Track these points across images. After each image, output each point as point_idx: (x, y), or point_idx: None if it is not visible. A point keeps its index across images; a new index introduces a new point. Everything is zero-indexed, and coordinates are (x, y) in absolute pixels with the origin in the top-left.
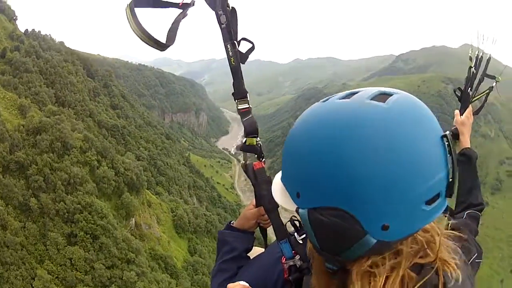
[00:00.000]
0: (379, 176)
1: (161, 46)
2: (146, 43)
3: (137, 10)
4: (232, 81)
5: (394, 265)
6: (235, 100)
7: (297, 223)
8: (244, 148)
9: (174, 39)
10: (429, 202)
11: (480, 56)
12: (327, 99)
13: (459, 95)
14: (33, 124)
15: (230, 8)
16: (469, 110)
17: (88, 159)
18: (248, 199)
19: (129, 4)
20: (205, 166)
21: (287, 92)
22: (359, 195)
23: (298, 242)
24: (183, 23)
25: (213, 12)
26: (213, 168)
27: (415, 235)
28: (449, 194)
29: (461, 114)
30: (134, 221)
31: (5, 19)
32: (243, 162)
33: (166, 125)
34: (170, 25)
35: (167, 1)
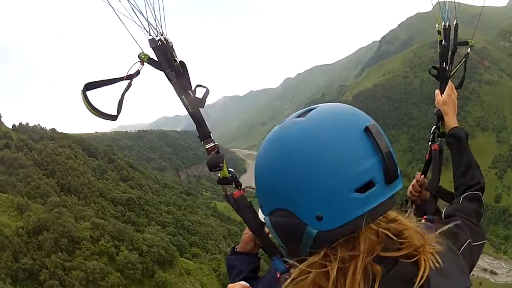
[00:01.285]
0: (298, 176)
1: (112, 118)
2: (100, 117)
3: (92, 92)
4: (196, 127)
5: (349, 257)
6: (201, 142)
7: None
8: (220, 181)
9: (121, 110)
10: (360, 190)
11: (447, 26)
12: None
13: (435, 73)
14: (31, 224)
15: (179, 62)
16: (449, 86)
17: (103, 247)
18: None
19: (82, 89)
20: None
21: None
22: (290, 194)
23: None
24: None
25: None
26: None
27: (375, 227)
28: (391, 180)
29: (442, 92)
30: None
31: None
32: (224, 193)
33: (183, 181)
34: (119, 98)
35: (112, 79)
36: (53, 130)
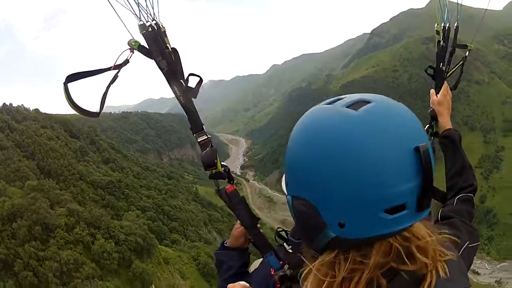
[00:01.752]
0: (337, 177)
1: (93, 115)
2: (81, 114)
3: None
4: (187, 116)
5: (359, 266)
6: (193, 134)
7: (283, 233)
8: (212, 176)
9: (103, 107)
10: (389, 211)
11: (447, 27)
12: (324, 103)
13: (431, 73)
14: (6, 210)
15: (171, 49)
16: (445, 87)
17: (78, 236)
18: (266, 215)
19: (64, 82)
20: (215, 195)
21: (274, 100)
22: (320, 191)
23: (288, 251)
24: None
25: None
26: None
27: (390, 241)
28: (421, 208)
29: (437, 92)
30: None
31: None
32: (216, 188)
33: (165, 164)
34: (103, 92)
35: (98, 69)
36: (36, 110)
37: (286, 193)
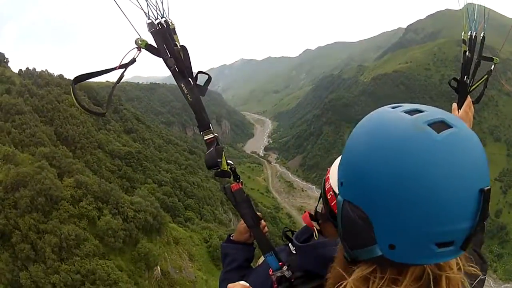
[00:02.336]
0: (401, 201)
1: (100, 115)
2: (88, 114)
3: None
4: (195, 117)
5: (393, 281)
6: (200, 132)
7: (289, 234)
8: (217, 174)
9: (109, 108)
10: (440, 245)
11: (473, 37)
12: (396, 107)
13: (455, 86)
14: (10, 178)
15: (179, 47)
16: (468, 103)
17: (83, 210)
18: (284, 200)
19: (71, 83)
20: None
21: (304, 85)
22: (383, 209)
23: (292, 252)
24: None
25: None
26: (244, 174)
27: (426, 268)
28: (464, 247)
29: (459, 107)
30: (159, 269)
31: None
32: (222, 185)
33: (189, 138)
34: (109, 92)
35: (105, 70)
36: (60, 76)
37: (337, 191)
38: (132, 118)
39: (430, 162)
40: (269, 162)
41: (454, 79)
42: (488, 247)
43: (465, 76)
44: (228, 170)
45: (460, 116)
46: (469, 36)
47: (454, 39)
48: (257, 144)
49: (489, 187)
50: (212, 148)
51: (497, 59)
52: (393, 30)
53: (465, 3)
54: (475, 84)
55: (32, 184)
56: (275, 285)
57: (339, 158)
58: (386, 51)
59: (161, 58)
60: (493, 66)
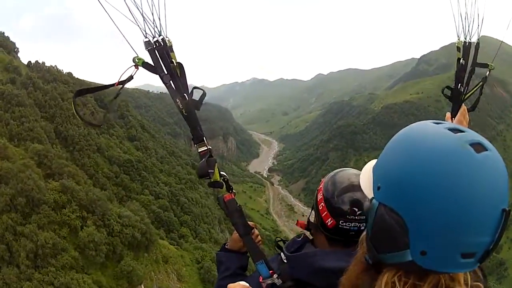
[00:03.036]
0: (439, 210)
1: (95, 126)
2: (86, 125)
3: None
4: (190, 129)
5: (414, 286)
6: (195, 145)
7: (281, 243)
8: (210, 184)
9: (104, 122)
10: (464, 256)
11: (467, 43)
12: (439, 123)
13: (449, 95)
14: None
15: (176, 64)
16: (462, 111)
17: (66, 217)
18: (284, 223)
19: (73, 96)
20: (237, 192)
21: (314, 109)
22: (422, 217)
23: (283, 261)
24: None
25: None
26: (246, 194)
27: (441, 279)
28: (481, 261)
29: (453, 115)
30: None
31: (1, 51)
32: (216, 196)
33: (193, 152)
34: (108, 108)
35: (104, 86)
36: (69, 74)
37: (372, 194)
38: (137, 126)
39: (470, 178)
40: (272, 184)
41: (448, 87)
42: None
43: (459, 84)
44: (221, 181)
45: None
46: (462, 43)
47: (489, 81)
48: (261, 164)
49: (510, 209)
50: (204, 159)
51: (492, 65)
52: (406, 60)
53: (457, 6)
54: (469, 91)
55: (14, 183)
56: None
57: (370, 163)
58: (398, 81)
59: (157, 75)
60: (488, 73)
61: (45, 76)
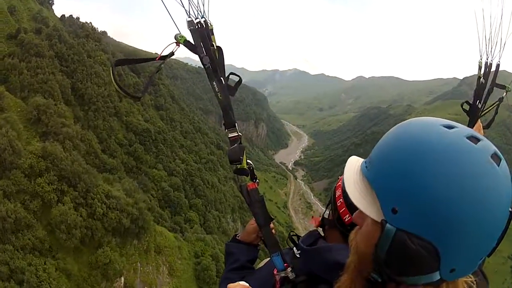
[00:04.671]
0: (471, 230)
1: (135, 98)
2: (124, 96)
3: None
4: (222, 113)
5: None
6: (225, 130)
7: (295, 238)
8: (236, 171)
9: (145, 93)
10: (482, 260)
11: (489, 64)
12: (450, 127)
13: (467, 110)
14: None
15: (216, 47)
16: (477, 126)
17: (39, 188)
18: (299, 220)
19: (111, 66)
20: (259, 181)
21: (350, 110)
22: (453, 237)
23: (296, 256)
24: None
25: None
26: (267, 183)
27: (457, 283)
28: (483, 263)
29: None
30: (122, 282)
31: (32, 0)
32: (239, 183)
33: (221, 132)
34: (148, 80)
35: (145, 58)
36: (103, 33)
37: (388, 220)
38: (167, 95)
39: (497, 195)
40: (295, 178)
41: (467, 102)
42: None
43: (477, 101)
44: (247, 169)
45: None
46: (484, 62)
47: (506, 103)
48: (288, 156)
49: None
50: (236, 145)
51: (509, 87)
52: (448, 78)
53: (483, 29)
54: (486, 109)
55: None
56: (278, 285)
57: (352, 163)
58: (438, 98)
59: (197, 55)
60: (505, 94)
61: (77, 31)
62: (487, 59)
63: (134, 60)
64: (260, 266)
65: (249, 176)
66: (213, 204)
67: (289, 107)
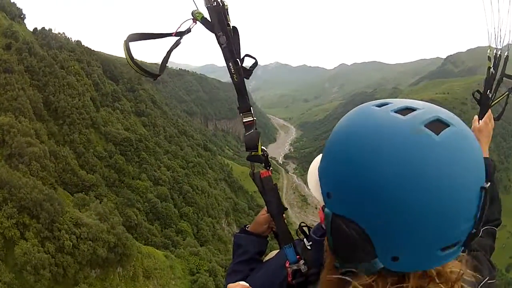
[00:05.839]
0: (406, 213)
1: (153, 77)
2: (140, 74)
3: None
4: (237, 95)
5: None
6: (240, 114)
7: (306, 229)
8: (250, 158)
9: (163, 70)
10: (444, 249)
11: (498, 55)
12: (382, 105)
13: (478, 98)
14: None
15: (231, 27)
16: (488, 115)
17: None
18: (295, 215)
19: (125, 40)
20: (250, 176)
21: (335, 98)
22: (382, 222)
23: (307, 247)
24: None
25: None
26: None
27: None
28: (466, 245)
29: (480, 118)
30: None
31: (3, 16)
32: (251, 170)
33: (208, 132)
34: (164, 56)
35: (160, 33)
36: (78, 42)
37: (324, 203)
38: (148, 100)
39: (434, 168)
40: (287, 172)
41: (478, 91)
42: None
43: (488, 90)
44: (261, 155)
45: (480, 127)
46: (494, 54)
47: (499, 78)
48: (277, 150)
49: (488, 184)
50: (253, 130)
51: None
52: (431, 58)
53: (492, 19)
54: (496, 99)
55: None
56: (290, 278)
57: (317, 158)
58: (423, 78)
59: (213, 34)
60: None
61: (50, 43)
62: (496, 51)
63: (148, 34)
64: (268, 258)
65: (263, 164)
66: (205, 211)
67: (274, 101)
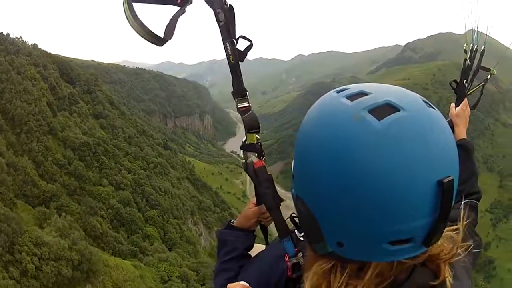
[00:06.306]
0: (343, 200)
1: (159, 41)
2: (144, 38)
3: (135, 6)
4: (232, 78)
5: (354, 282)
6: (234, 99)
7: (297, 220)
8: (244, 147)
9: (172, 35)
10: (394, 243)
11: (474, 49)
12: (340, 91)
13: (454, 87)
14: None
15: (228, 6)
16: (465, 102)
17: None
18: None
19: (126, 1)
20: (212, 174)
21: (293, 89)
22: (324, 205)
23: (299, 239)
24: (182, 21)
25: (211, 11)
26: (222, 176)
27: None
28: (427, 244)
29: (457, 106)
30: None
31: None
32: (244, 161)
33: (168, 130)
34: (168, 21)
35: None
36: (34, 46)
37: (293, 186)
38: (105, 102)
39: (372, 156)
40: None
41: (455, 81)
42: (473, 280)
43: (464, 80)
44: (256, 144)
45: (457, 112)
46: (470, 48)
47: (454, 62)
48: (238, 143)
49: (450, 178)
50: (251, 111)
51: (494, 70)
52: (390, 46)
53: (469, 27)
54: (472, 89)
55: None
56: (290, 273)
57: None
58: (382, 66)
59: (212, 10)
60: (489, 76)
61: (8, 48)
62: (472, 46)
63: None
64: (259, 252)
65: (256, 153)
66: (170, 212)
67: (231, 95)
